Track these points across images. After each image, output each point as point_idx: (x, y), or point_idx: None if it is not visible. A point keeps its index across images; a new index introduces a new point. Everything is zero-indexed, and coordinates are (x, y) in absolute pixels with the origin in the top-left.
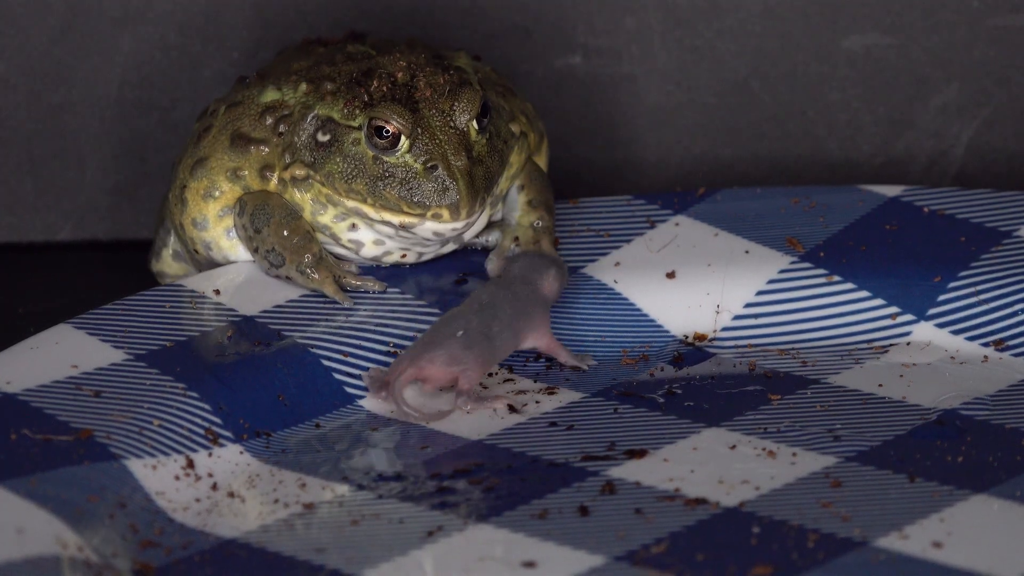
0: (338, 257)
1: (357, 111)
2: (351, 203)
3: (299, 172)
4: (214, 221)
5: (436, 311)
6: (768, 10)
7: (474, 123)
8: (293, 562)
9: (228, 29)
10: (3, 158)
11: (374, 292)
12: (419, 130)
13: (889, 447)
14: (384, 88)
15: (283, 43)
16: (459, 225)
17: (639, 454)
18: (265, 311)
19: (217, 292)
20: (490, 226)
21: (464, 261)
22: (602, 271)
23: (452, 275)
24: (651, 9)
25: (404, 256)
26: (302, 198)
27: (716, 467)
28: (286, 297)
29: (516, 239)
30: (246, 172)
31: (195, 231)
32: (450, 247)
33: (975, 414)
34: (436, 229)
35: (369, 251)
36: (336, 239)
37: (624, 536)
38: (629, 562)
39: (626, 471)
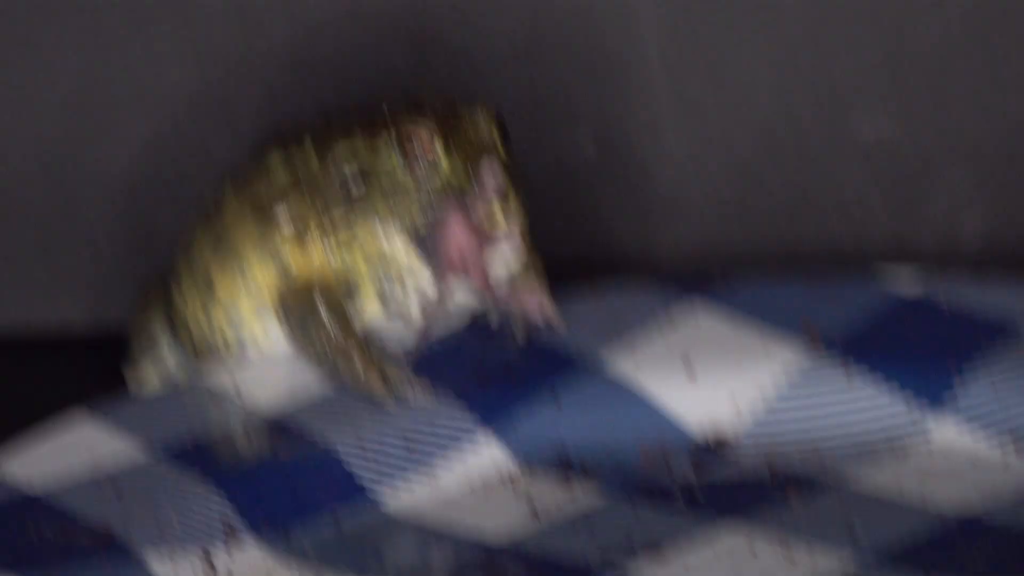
0: (388, 351)
1: (382, 131)
2: (400, 256)
3: (336, 216)
4: (243, 302)
5: (456, 408)
6: (778, 98)
7: (497, 133)
8: None
9: (238, 110)
10: (12, 241)
11: (419, 392)
12: (448, 131)
13: (909, 548)
14: (396, 112)
15: (293, 120)
16: (506, 246)
17: (659, 554)
18: (284, 407)
19: (237, 388)
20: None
21: (484, 357)
22: (621, 366)
23: (473, 370)
24: (661, 96)
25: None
26: (353, 259)
27: (735, 569)
28: (306, 393)
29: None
30: (280, 244)
31: (224, 315)
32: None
33: (995, 514)
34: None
35: (431, 289)
36: (390, 285)
37: None
38: None
39: (646, 572)
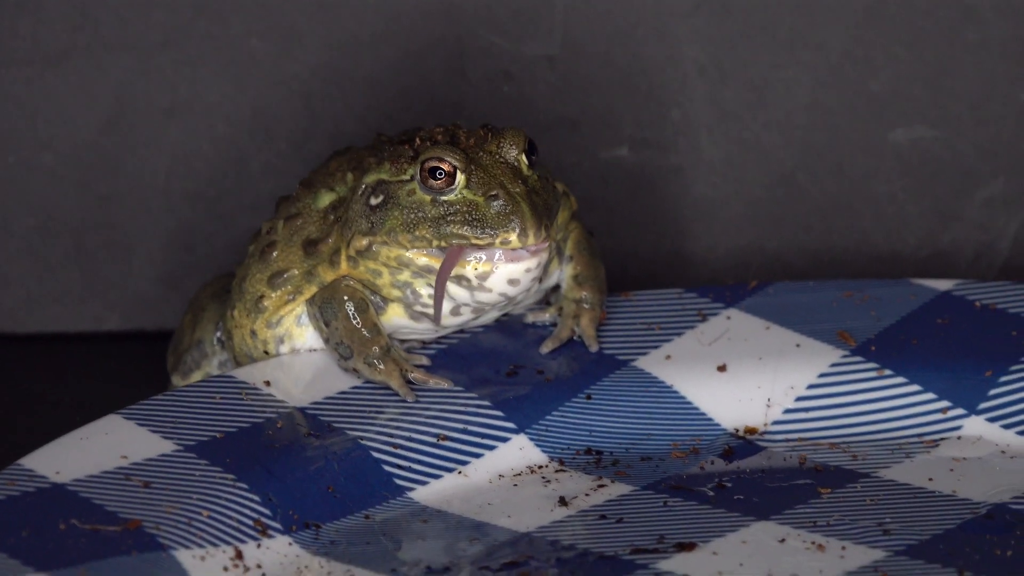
0: (409, 349)
1: (405, 164)
2: (422, 260)
3: (360, 243)
4: (287, 315)
5: (487, 403)
6: (815, 103)
7: (523, 158)
8: None
9: (275, 121)
10: (51, 248)
11: (439, 387)
12: (472, 166)
13: (939, 541)
14: (428, 141)
15: (330, 135)
16: (532, 264)
17: (688, 547)
18: (315, 402)
19: (267, 383)
20: (543, 307)
21: (516, 353)
22: (653, 364)
23: (504, 367)
24: (698, 102)
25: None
26: (376, 266)
27: (765, 561)
28: (336, 389)
29: (560, 309)
30: (319, 268)
31: (269, 330)
32: (521, 300)
33: None
34: (510, 274)
35: (447, 304)
36: (415, 295)
37: None
38: None
39: (675, 564)
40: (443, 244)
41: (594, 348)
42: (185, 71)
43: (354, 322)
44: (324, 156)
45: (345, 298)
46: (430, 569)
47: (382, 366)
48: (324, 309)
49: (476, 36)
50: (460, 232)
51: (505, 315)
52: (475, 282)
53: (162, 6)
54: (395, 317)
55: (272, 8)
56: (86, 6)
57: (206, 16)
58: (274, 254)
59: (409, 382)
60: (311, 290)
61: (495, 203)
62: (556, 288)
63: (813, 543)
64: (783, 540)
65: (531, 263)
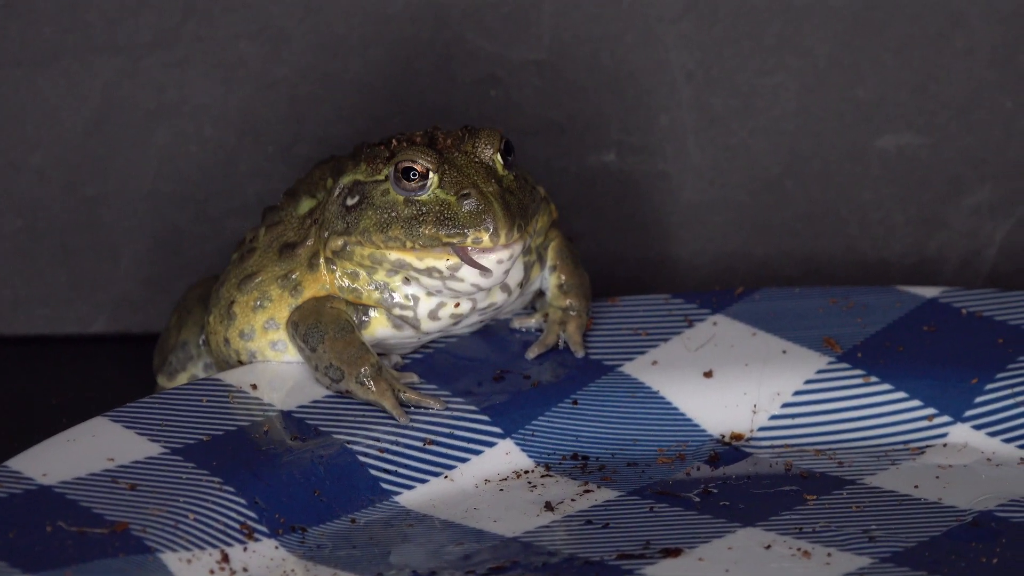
0: (396, 368)
1: (381, 165)
2: (394, 255)
3: (336, 243)
4: (260, 332)
5: (473, 408)
6: (802, 109)
7: (499, 158)
8: None
9: (263, 123)
10: (38, 250)
11: (433, 409)
12: (446, 166)
13: (924, 548)
14: (404, 143)
15: (318, 139)
16: (504, 256)
17: (674, 553)
18: (302, 406)
19: (254, 387)
20: (529, 313)
21: (503, 357)
22: (639, 370)
23: (490, 372)
24: (685, 107)
25: (458, 306)
26: (352, 267)
27: (751, 567)
28: (323, 393)
29: (545, 315)
30: (296, 272)
31: (242, 342)
32: (502, 298)
33: (1010, 516)
34: (480, 260)
35: (425, 305)
36: (393, 296)
37: None
38: None
39: (661, 570)
40: (416, 245)
41: (580, 354)
42: (173, 73)
43: (341, 343)
44: (311, 159)
45: (329, 321)
46: (415, 573)
47: (374, 386)
48: (309, 335)
49: (464, 40)
50: (432, 232)
51: (491, 321)
52: (447, 272)
53: (151, 8)
54: (379, 328)
55: (261, 11)
56: (76, 8)
57: (195, 18)
58: (251, 259)
59: (403, 403)
60: (282, 298)
61: (467, 202)
62: (542, 294)
63: (799, 550)
64: (769, 546)
65: (503, 254)
